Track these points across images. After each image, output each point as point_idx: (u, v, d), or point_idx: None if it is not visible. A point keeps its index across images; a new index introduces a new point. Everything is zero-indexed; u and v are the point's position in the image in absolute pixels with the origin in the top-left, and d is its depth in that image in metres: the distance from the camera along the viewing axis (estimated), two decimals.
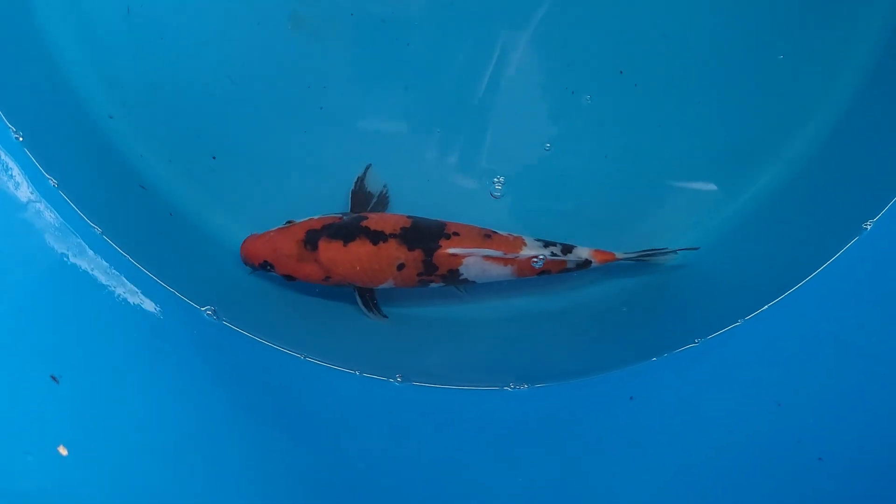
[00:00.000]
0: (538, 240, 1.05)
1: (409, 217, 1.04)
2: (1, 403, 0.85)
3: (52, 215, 1.00)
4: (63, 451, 0.83)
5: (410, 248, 1.01)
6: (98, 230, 1.03)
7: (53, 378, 0.87)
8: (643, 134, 1.11)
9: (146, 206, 1.10)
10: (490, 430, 1.05)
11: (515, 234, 1.05)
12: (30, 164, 1.01)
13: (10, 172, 0.99)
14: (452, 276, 1.04)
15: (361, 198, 1.08)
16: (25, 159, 1.02)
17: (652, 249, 1.06)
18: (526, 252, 1.03)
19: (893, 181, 1.03)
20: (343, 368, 1.07)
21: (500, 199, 1.12)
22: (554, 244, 1.05)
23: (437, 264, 1.02)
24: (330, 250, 1.01)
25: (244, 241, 1.04)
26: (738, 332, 1.04)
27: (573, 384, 1.07)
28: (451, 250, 1.01)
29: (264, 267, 1.03)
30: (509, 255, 1.03)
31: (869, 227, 1.03)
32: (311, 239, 1.01)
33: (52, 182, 1.02)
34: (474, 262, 1.02)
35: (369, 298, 1.08)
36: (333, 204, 1.09)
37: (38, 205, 0.99)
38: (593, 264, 1.05)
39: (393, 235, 1.01)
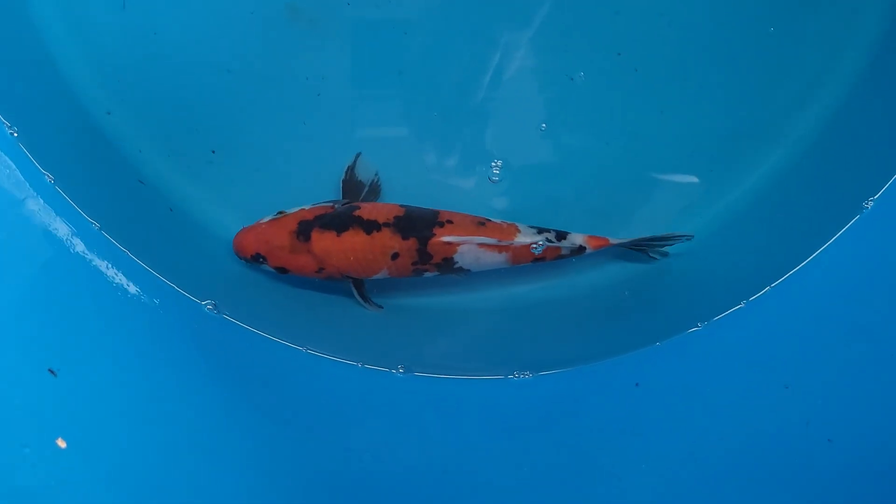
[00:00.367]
0: (532, 227, 1.05)
1: (401, 206, 1.04)
2: None
3: (49, 210, 0.99)
4: (62, 443, 0.82)
5: (404, 237, 1.01)
6: (96, 225, 1.02)
7: (51, 371, 0.87)
8: (643, 118, 1.11)
9: (145, 202, 1.10)
10: (495, 420, 1.04)
11: (509, 222, 1.04)
12: (25, 160, 1.01)
13: (5, 168, 0.99)
14: (447, 265, 1.03)
15: (352, 187, 1.08)
16: (20, 155, 1.01)
17: (646, 237, 1.05)
18: (520, 239, 1.03)
19: (894, 159, 1.02)
20: (345, 360, 1.06)
21: (498, 183, 1.11)
22: (548, 231, 1.04)
23: (431, 253, 1.01)
24: (323, 241, 1.00)
25: (236, 234, 1.04)
26: (742, 314, 1.03)
27: (577, 371, 1.06)
28: (446, 238, 1.01)
29: (256, 259, 1.03)
30: (504, 243, 1.02)
31: (870, 206, 1.02)
32: (304, 230, 1.01)
33: (49, 178, 1.01)
34: (469, 250, 1.02)
35: (364, 291, 1.07)
36: (335, 195, 1.09)
37: (34, 200, 0.99)
38: (588, 250, 1.05)
39: (386, 224, 1.01)
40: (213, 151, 1.11)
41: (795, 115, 1.09)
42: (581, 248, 1.04)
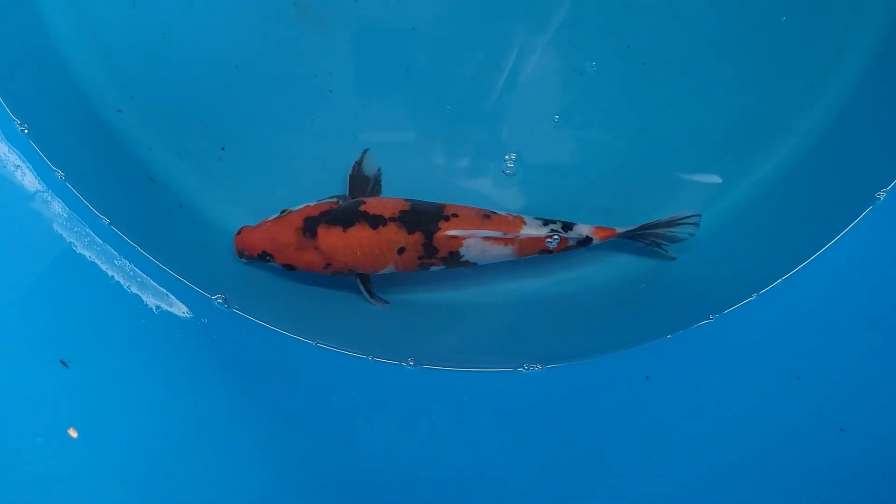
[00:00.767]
0: (538, 218, 1.04)
1: (406, 200, 1.04)
2: (11, 387, 0.84)
3: (60, 206, 1.00)
4: (73, 433, 0.82)
5: (410, 231, 1.01)
6: (107, 221, 1.03)
7: (63, 363, 0.87)
8: (651, 112, 1.11)
9: (155, 198, 1.10)
10: (504, 412, 1.04)
11: (515, 214, 1.04)
12: (36, 157, 1.01)
13: (16, 164, 0.99)
14: (453, 259, 1.03)
15: (359, 182, 1.08)
16: (31, 151, 1.01)
17: (652, 222, 1.04)
18: (526, 231, 1.03)
19: None
20: (355, 353, 1.06)
21: (512, 176, 1.11)
22: (554, 222, 1.04)
23: (437, 247, 1.01)
24: (329, 236, 1.00)
25: (239, 233, 1.04)
26: (753, 306, 1.03)
27: (587, 364, 1.05)
28: (451, 232, 1.01)
29: (263, 258, 1.03)
30: (510, 235, 1.02)
31: (882, 197, 1.02)
32: (310, 226, 1.01)
33: (60, 174, 1.02)
34: (475, 243, 1.01)
35: (370, 286, 1.07)
36: (342, 191, 1.09)
37: (45, 195, 0.99)
38: (594, 241, 1.04)
39: (392, 219, 1.01)
40: (223, 148, 1.11)
41: (805, 107, 1.09)
42: (588, 239, 1.04)
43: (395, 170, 1.10)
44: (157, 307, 1.00)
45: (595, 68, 1.10)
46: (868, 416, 0.91)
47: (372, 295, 1.07)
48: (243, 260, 1.06)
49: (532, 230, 1.03)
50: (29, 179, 0.99)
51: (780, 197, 1.09)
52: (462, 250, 1.02)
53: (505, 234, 1.02)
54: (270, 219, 1.04)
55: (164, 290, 1.02)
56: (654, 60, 1.09)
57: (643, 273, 1.11)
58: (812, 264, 1.02)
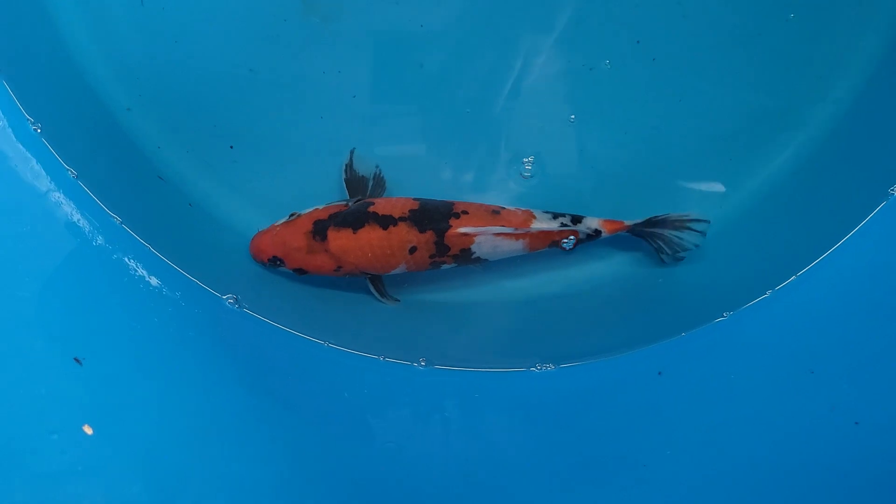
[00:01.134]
0: (547, 212, 1.04)
1: (415, 199, 1.03)
2: (26, 384, 0.84)
3: (72, 204, 1.00)
4: (88, 430, 0.82)
5: (421, 230, 1.00)
6: (118, 220, 1.02)
7: (77, 360, 0.87)
8: (661, 108, 1.11)
9: (165, 197, 1.10)
10: (518, 411, 1.03)
11: (524, 209, 1.04)
12: (48, 155, 1.01)
13: (28, 162, 0.99)
14: (464, 256, 1.03)
15: (356, 184, 1.07)
16: (44, 149, 1.01)
17: (661, 215, 1.04)
18: (536, 225, 1.02)
19: None
20: (366, 354, 1.05)
21: (530, 178, 1.11)
22: (563, 215, 1.04)
23: (448, 245, 1.01)
24: (340, 239, 1.00)
25: (252, 239, 1.04)
26: (766, 303, 1.03)
27: (601, 363, 1.05)
28: (463, 230, 1.00)
29: (274, 262, 1.02)
30: (521, 231, 1.01)
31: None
32: (320, 229, 1.00)
33: (72, 173, 1.01)
34: (486, 239, 1.01)
35: (381, 285, 1.07)
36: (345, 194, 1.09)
37: (57, 193, 0.99)
38: (603, 234, 1.04)
39: (402, 219, 1.00)
40: (232, 147, 1.11)
41: (816, 102, 1.09)
42: (597, 232, 1.04)
43: (410, 172, 1.11)
44: (168, 305, 1.00)
45: (608, 65, 1.10)
46: (883, 410, 0.91)
47: (383, 294, 1.07)
48: (260, 265, 1.05)
49: (542, 224, 1.03)
50: (41, 178, 0.99)
51: (792, 193, 1.08)
52: (473, 247, 1.02)
53: (516, 229, 1.01)
54: (279, 223, 1.03)
55: (176, 289, 1.01)
56: (663, 57, 1.09)
57: (655, 272, 1.11)
58: (825, 261, 1.02)
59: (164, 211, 1.10)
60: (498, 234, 1.01)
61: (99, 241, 0.99)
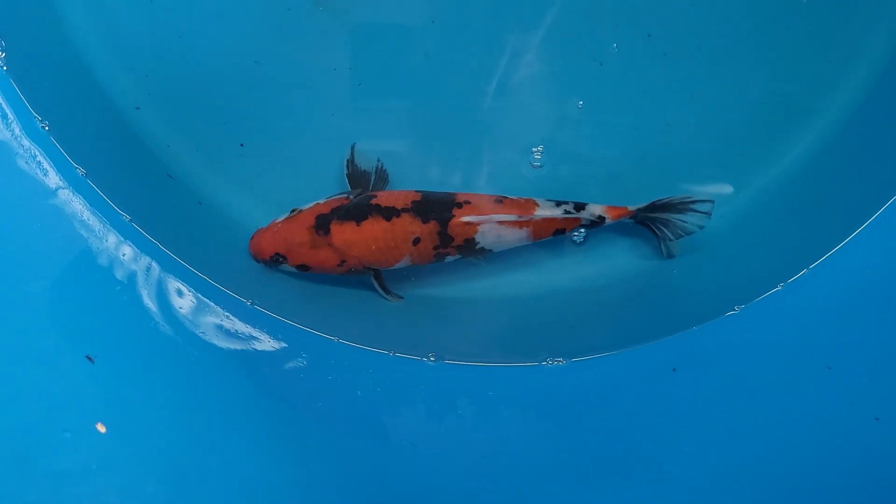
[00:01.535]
0: (550, 199, 1.04)
1: (417, 191, 1.03)
2: (39, 382, 0.84)
3: (81, 202, 1.00)
4: (101, 428, 0.82)
5: (425, 221, 1.00)
6: (127, 217, 1.02)
7: (89, 358, 0.87)
8: (672, 102, 1.10)
9: (175, 195, 1.10)
10: (529, 406, 1.03)
11: (526, 197, 1.04)
12: (57, 153, 1.01)
13: (37, 160, 0.99)
14: (468, 246, 1.02)
15: (358, 178, 1.06)
16: (53, 148, 1.01)
17: (665, 198, 1.03)
18: (540, 213, 1.02)
19: None
20: (376, 349, 1.05)
21: (540, 168, 1.10)
22: (566, 202, 1.03)
23: (452, 235, 1.01)
24: (343, 232, 0.99)
25: (252, 237, 1.03)
26: (779, 296, 1.02)
27: (612, 357, 1.05)
28: (466, 218, 1.00)
29: (276, 260, 1.02)
30: (524, 218, 1.01)
31: None
32: (322, 223, 1.00)
33: (81, 171, 1.01)
34: (489, 228, 1.01)
35: (384, 281, 1.06)
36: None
37: (66, 191, 0.99)
38: (607, 220, 1.04)
39: (405, 210, 1.00)
40: (242, 144, 1.11)
41: (830, 93, 1.08)
42: (601, 219, 1.03)
43: (418, 166, 1.10)
44: (180, 303, 1.00)
45: (616, 50, 1.09)
46: None
47: (386, 290, 1.06)
48: (260, 263, 1.05)
49: (546, 211, 1.02)
50: (51, 176, 0.99)
51: (805, 185, 1.08)
52: (477, 237, 1.01)
53: (519, 216, 1.00)
54: (280, 219, 1.03)
55: (186, 286, 1.01)
56: (674, 50, 1.09)
57: (665, 266, 1.10)
58: (838, 253, 1.02)
59: (174, 209, 1.09)
60: (501, 223, 1.01)
61: (109, 239, 0.99)
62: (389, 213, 0.99)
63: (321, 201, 1.03)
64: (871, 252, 1.01)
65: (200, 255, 1.05)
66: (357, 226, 0.99)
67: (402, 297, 1.08)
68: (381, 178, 1.07)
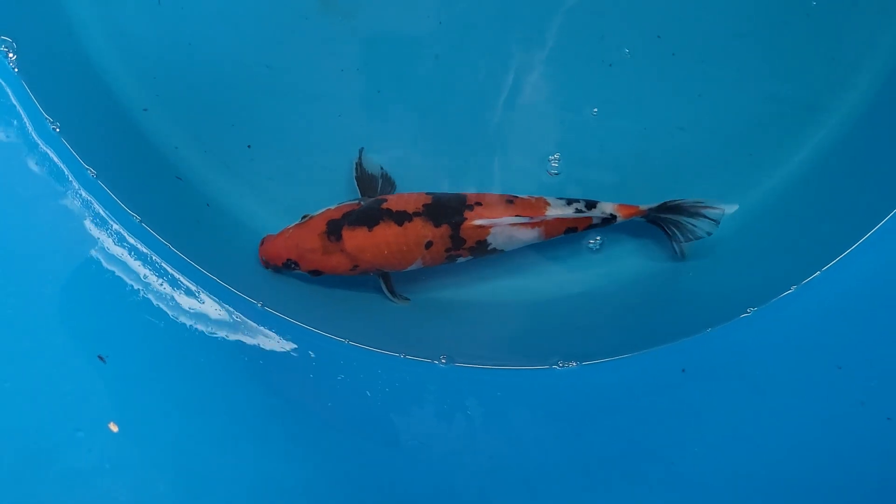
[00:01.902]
0: (561, 198, 1.04)
1: (427, 193, 1.03)
2: (51, 382, 0.84)
3: (92, 203, 1.00)
4: (114, 427, 0.82)
5: (437, 224, 1.00)
6: (137, 218, 1.02)
7: (101, 358, 0.87)
8: (681, 103, 1.10)
9: (184, 197, 1.10)
10: (541, 409, 1.03)
11: (537, 196, 1.04)
12: (68, 154, 1.01)
13: (48, 161, 0.99)
14: (480, 248, 1.02)
15: (366, 182, 1.06)
16: (63, 149, 1.01)
17: (677, 199, 1.03)
18: (551, 212, 1.02)
19: None
20: (386, 351, 1.05)
21: (557, 175, 1.10)
22: (577, 200, 1.04)
23: (464, 237, 1.00)
24: (355, 238, 0.99)
25: (261, 243, 1.03)
26: (792, 298, 1.02)
27: (624, 360, 1.04)
28: (478, 222, 1.00)
29: (288, 266, 1.02)
30: (537, 219, 1.01)
31: None
32: (334, 229, 1.00)
33: (91, 172, 1.01)
34: (501, 230, 1.01)
35: (391, 284, 1.06)
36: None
37: (77, 192, 0.99)
38: (618, 218, 1.04)
39: (417, 214, 1.00)
40: (249, 146, 1.11)
41: (841, 92, 1.08)
42: (612, 217, 1.03)
43: (431, 171, 1.10)
44: (190, 304, 1.00)
45: (628, 55, 1.09)
46: None
47: (394, 293, 1.06)
48: (269, 269, 1.05)
49: (557, 210, 1.02)
50: (62, 177, 0.99)
51: (817, 186, 1.08)
52: (489, 238, 1.01)
53: (532, 218, 1.01)
54: (292, 226, 1.03)
55: (197, 287, 1.01)
56: (683, 51, 1.09)
57: (678, 269, 1.10)
58: (852, 255, 1.01)
59: (183, 210, 1.10)
60: (513, 224, 1.01)
61: (120, 240, 0.99)
62: (401, 218, 0.99)
63: (332, 207, 1.03)
64: (883, 254, 1.00)
65: (210, 256, 1.05)
66: (369, 231, 0.99)
67: (409, 300, 1.08)
68: (389, 182, 1.07)
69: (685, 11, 1.09)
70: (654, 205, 1.04)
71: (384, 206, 1.01)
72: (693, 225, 1.03)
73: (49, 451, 0.81)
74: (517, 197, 1.03)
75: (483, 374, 1.05)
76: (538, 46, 1.10)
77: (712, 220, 1.02)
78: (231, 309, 1.02)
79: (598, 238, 1.02)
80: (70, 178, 0.99)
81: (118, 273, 0.97)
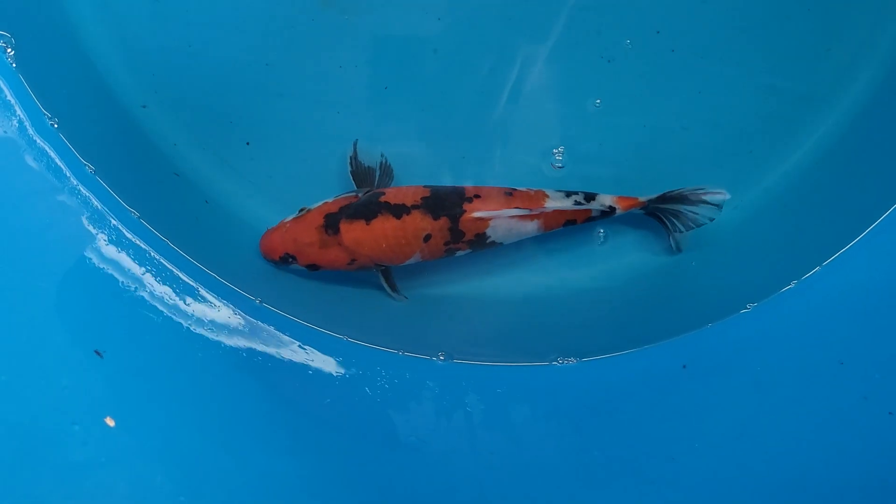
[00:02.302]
0: (559, 190, 1.03)
1: (426, 186, 1.02)
2: (48, 376, 0.84)
3: (90, 199, 1.00)
4: (110, 422, 0.82)
5: (435, 217, 0.99)
6: (136, 214, 1.02)
7: (98, 353, 0.86)
8: (681, 99, 1.10)
9: (182, 193, 1.10)
10: (542, 405, 1.02)
11: (536, 188, 1.03)
12: (66, 150, 1.01)
13: (46, 157, 0.99)
14: (479, 241, 1.02)
15: (363, 175, 1.05)
16: (62, 145, 1.01)
17: (676, 189, 1.02)
18: (550, 204, 1.01)
19: None
20: (384, 348, 1.05)
21: (562, 168, 1.10)
22: (576, 193, 1.03)
23: (463, 230, 1.00)
24: (353, 231, 0.98)
25: (262, 237, 1.03)
26: (792, 293, 1.02)
27: (624, 356, 1.04)
28: (477, 214, 0.99)
29: (285, 260, 1.01)
30: (536, 211, 1.00)
31: None
32: (331, 223, 0.99)
33: (90, 168, 1.01)
34: (500, 223, 1.00)
35: (392, 279, 1.05)
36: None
37: (75, 188, 0.99)
38: (617, 211, 1.03)
39: (415, 206, 0.99)
40: (248, 143, 1.10)
41: (842, 87, 1.08)
42: (611, 209, 1.03)
43: (433, 167, 1.10)
44: (187, 300, 0.99)
45: (630, 46, 1.09)
46: None
47: (394, 288, 1.05)
48: (270, 263, 1.05)
49: (556, 203, 1.02)
50: (60, 173, 0.99)
51: (817, 181, 1.08)
52: (488, 231, 1.01)
53: (531, 210, 1.00)
54: (289, 219, 1.02)
55: (195, 284, 1.01)
56: (682, 46, 1.09)
57: (677, 265, 1.10)
58: (851, 250, 1.02)
59: (182, 206, 1.09)
60: (512, 216, 1.00)
61: (118, 236, 0.99)
62: (399, 211, 0.99)
63: (329, 200, 1.02)
64: (884, 249, 1.00)
65: (208, 252, 1.05)
66: (367, 224, 0.98)
67: (407, 297, 1.07)
68: (386, 173, 1.06)
69: (685, 6, 1.09)
70: (654, 196, 1.04)
71: (382, 199, 1.00)
72: (695, 213, 1.02)
73: (46, 445, 0.80)
74: (516, 189, 1.03)
75: (482, 371, 1.05)
76: (540, 42, 1.10)
77: (714, 205, 1.01)
78: (229, 305, 1.02)
79: (602, 231, 1.02)
80: (68, 174, 0.99)
81: (116, 269, 0.96)
